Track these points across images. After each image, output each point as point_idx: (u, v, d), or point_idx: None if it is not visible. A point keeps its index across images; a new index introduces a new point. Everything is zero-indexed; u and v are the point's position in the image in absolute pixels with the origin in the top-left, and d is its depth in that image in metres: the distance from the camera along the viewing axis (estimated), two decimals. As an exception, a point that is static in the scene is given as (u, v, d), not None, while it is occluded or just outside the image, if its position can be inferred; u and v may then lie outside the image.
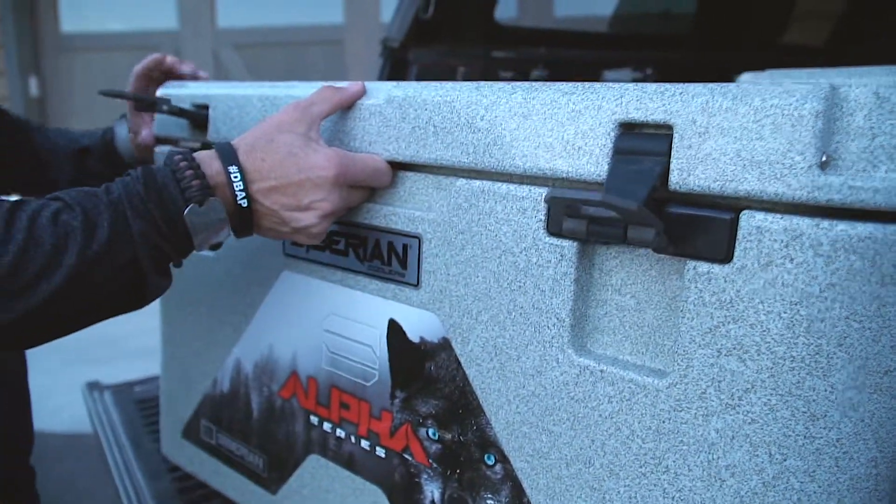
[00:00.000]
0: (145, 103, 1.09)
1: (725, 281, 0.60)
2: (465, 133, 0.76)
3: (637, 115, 0.64)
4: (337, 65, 5.97)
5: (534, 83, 0.74)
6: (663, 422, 0.65)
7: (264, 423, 1.07)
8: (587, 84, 0.69)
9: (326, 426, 0.97)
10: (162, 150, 1.20)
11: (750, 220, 0.58)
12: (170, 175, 0.76)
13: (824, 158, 0.55)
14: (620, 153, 0.65)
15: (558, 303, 0.71)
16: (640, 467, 0.66)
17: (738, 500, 0.61)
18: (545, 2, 5.45)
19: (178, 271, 1.19)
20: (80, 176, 1.39)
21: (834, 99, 0.55)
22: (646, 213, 0.57)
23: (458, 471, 0.82)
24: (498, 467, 0.78)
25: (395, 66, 2.07)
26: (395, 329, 0.87)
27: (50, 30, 6.21)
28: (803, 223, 0.56)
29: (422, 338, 0.84)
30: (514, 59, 2.14)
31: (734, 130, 0.58)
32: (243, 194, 0.78)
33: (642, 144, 0.64)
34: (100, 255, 0.72)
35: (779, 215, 0.57)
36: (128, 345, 3.97)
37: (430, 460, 0.85)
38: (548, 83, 0.72)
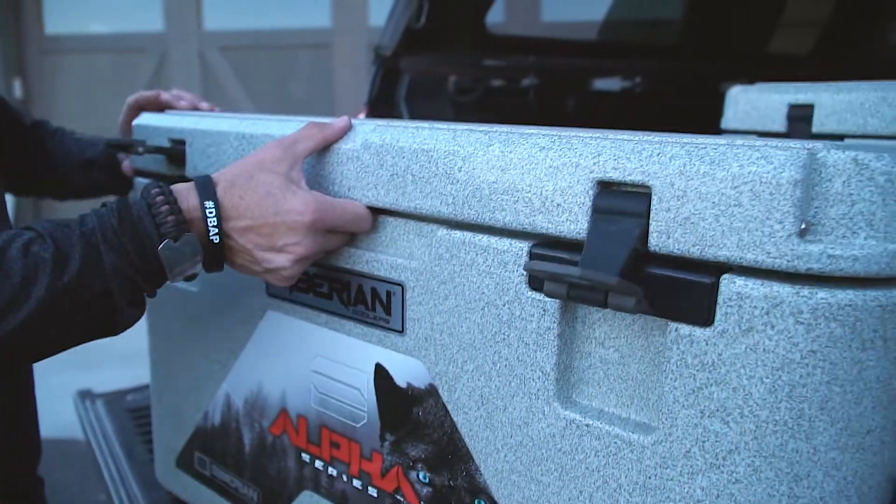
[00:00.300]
0: (121, 146, 1.08)
1: (707, 344, 0.60)
2: (444, 184, 0.76)
3: (615, 175, 0.63)
4: (324, 68, 5.92)
5: (511, 132, 0.73)
6: (649, 477, 0.65)
7: (256, 458, 1.07)
8: (564, 137, 0.69)
9: (318, 464, 0.98)
10: (141, 182, 1.19)
11: (730, 286, 0.58)
12: (145, 209, 0.76)
13: (803, 226, 0.55)
14: (599, 212, 0.64)
15: (543, 356, 0.71)
16: (628, 522, 0.67)
17: (724, 559, 0.61)
18: (533, 8, 5.41)
19: (164, 306, 1.19)
20: (88, 185, 1.39)
21: (812, 165, 0.55)
22: (624, 285, 0.57)
23: (448, 515, 0.83)
24: (488, 514, 0.79)
25: (388, 75, 2.06)
26: (381, 374, 0.86)
27: (34, 31, 6.14)
28: (783, 290, 0.56)
29: (409, 383, 0.84)
30: (505, 68, 2.12)
31: (712, 195, 0.58)
32: (216, 230, 0.78)
33: (621, 204, 0.63)
34: (70, 288, 0.73)
35: (759, 281, 0.57)
36: (113, 349, 3.96)
37: (422, 502, 0.85)
38: (525, 133, 0.72)
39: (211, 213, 0.77)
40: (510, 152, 0.70)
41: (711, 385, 0.60)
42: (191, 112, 1.18)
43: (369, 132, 0.84)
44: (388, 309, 0.84)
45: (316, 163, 0.89)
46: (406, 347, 0.83)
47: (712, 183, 0.58)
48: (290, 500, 1.03)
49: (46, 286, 0.71)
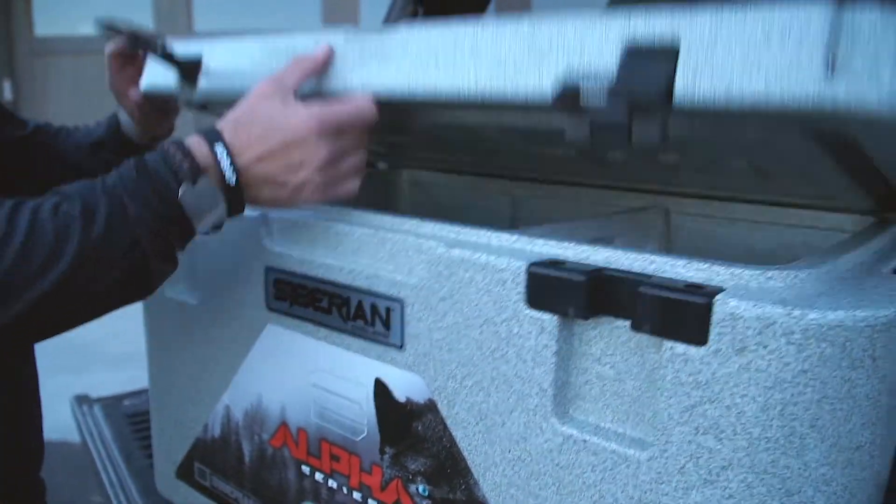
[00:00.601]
0: (141, 40, 1.08)
1: (701, 363, 0.61)
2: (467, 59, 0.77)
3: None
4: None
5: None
6: (645, 492, 0.66)
7: (256, 470, 1.09)
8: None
9: (318, 476, 0.99)
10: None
11: (723, 307, 0.59)
12: (161, 160, 0.80)
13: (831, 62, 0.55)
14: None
15: (541, 373, 0.72)
16: (625, 535, 0.68)
17: (719, 572, 0.63)
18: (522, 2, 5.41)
19: (163, 318, 1.20)
20: (97, 167, 1.39)
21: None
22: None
23: (448, 527, 0.84)
24: (487, 526, 0.80)
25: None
26: (381, 388, 0.88)
27: (24, 33, 6.11)
28: (775, 311, 0.57)
29: (408, 398, 0.85)
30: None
31: (741, 38, 0.58)
32: (231, 168, 0.81)
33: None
34: (100, 240, 0.76)
35: (751, 302, 0.58)
36: (104, 350, 3.96)
37: (421, 514, 0.87)
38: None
39: (222, 154, 0.81)
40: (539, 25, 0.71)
41: (705, 403, 0.61)
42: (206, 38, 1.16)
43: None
44: (387, 324, 0.85)
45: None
46: (405, 363, 0.84)
47: (742, 26, 0.58)
48: (290, 510, 1.05)
49: (79, 241, 0.74)
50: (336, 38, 0.91)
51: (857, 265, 0.73)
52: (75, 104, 6.12)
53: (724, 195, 1.15)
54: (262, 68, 0.97)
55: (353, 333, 0.89)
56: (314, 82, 0.92)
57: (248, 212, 1.01)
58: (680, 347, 0.62)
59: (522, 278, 0.72)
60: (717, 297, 0.60)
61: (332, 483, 0.97)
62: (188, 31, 6.06)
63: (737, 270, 0.64)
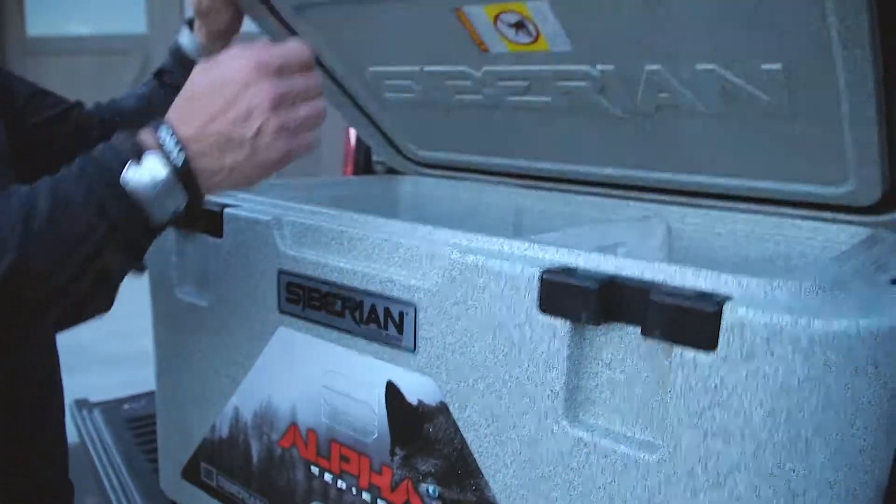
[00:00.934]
0: None
1: (710, 368, 0.64)
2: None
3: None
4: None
5: None
6: (654, 495, 0.69)
7: (265, 470, 1.10)
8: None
9: (328, 477, 1.01)
10: None
11: (732, 314, 0.62)
12: (105, 147, 0.78)
13: None
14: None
15: (552, 377, 0.74)
16: (634, 535, 0.71)
17: (725, 570, 0.65)
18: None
19: (172, 320, 1.22)
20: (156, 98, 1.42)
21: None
22: None
23: (457, 527, 0.86)
24: (497, 526, 0.82)
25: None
26: (392, 391, 0.90)
27: (16, 33, 6.10)
28: (783, 320, 0.60)
29: (420, 400, 0.87)
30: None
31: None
32: (176, 144, 0.77)
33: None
34: (45, 228, 0.73)
35: (760, 310, 0.61)
36: (98, 351, 3.95)
37: (431, 514, 0.89)
38: None
39: (165, 131, 0.77)
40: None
41: (714, 407, 0.64)
42: None
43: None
44: (400, 328, 0.87)
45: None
46: (418, 366, 0.86)
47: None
48: (297, 510, 1.06)
49: (21, 232, 0.72)
50: None
51: (857, 275, 0.75)
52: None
53: (725, 206, 1.18)
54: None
55: (366, 337, 0.91)
56: None
57: (261, 215, 1.04)
58: (689, 353, 0.65)
59: (536, 284, 0.74)
60: (726, 304, 0.63)
61: (341, 483, 0.99)
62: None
63: (744, 279, 0.67)
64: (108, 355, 3.98)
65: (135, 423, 1.85)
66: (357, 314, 0.92)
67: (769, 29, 0.87)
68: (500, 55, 1.16)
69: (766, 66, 0.93)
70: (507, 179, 1.50)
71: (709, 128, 1.08)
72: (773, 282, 0.66)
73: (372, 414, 0.93)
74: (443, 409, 0.85)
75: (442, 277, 0.82)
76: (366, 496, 0.96)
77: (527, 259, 0.78)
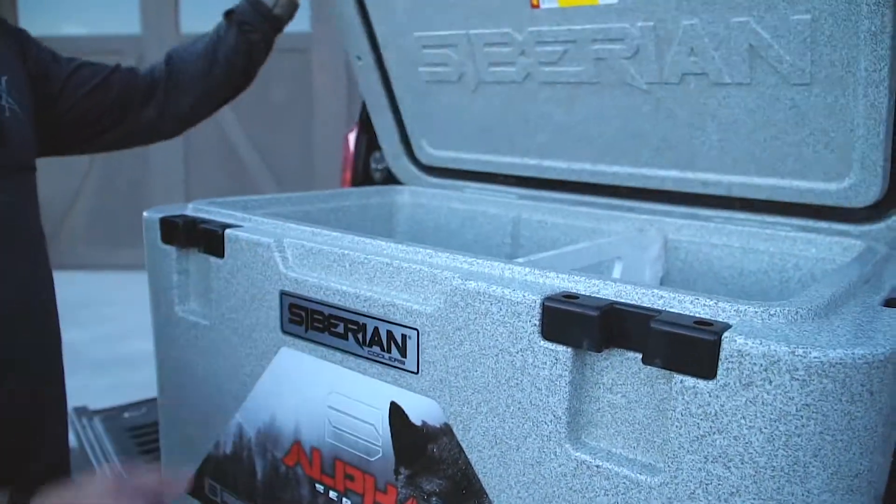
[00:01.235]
0: None
1: (710, 396, 0.65)
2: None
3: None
4: (303, 73, 5.92)
5: None
6: (656, 516, 0.70)
7: (269, 486, 1.12)
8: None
9: (332, 494, 1.02)
10: None
11: (731, 343, 0.63)
12: None
13: None
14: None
15: (555, 401, 0.76)
16: (636, 555, 0.72)
17: (726, 590, 0.67)
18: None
19: (175, 339, 1.23)
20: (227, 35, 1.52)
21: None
22: None
23: (462, 545, 0.87)
24: (501, 545, 0.84)
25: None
26: (396, 411, 0.91)
27: (7, 36, 6.06)
28: (780, 349, 0.61)
29: (424, 421, 0.88)
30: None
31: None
32: None
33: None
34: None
35: (758, 340, 0.62)
36: (87, 355, 3.96)
37: (435, 532, 0.90)
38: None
39: None
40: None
41: (714, 433, 0.65)
42: None
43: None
44: (403, 351, 0.89)
45: None
46: (421, 388, 0.88)
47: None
48: (302, 526, 1.08)
49: None
50: None
51: (850, 296, 0.77)
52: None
53: (721, 216, 1.20)
54: None
55: (370, 359, 0.93)
56: None
57: (262, 236, 1.05)
58: (689, 381, 0.66)
59: (537, 311, 0.76)
60: (725, 334, 0.64)
61: (346, 501, 1.00)
62: (175, 34, 6.05)
63: (741, 307, 0.68)
64: (96, 358, 3.99)
65: (136, 432, 1.86)
66: (360, 336, 0.93)
67: None
68: (549, 11, 1.22)
69: (795, 17, 0.98)
70: (506, 189, 1.51)
71: (727, 104, 1.11)
72: (769, 309, 0.67)
73: (376, 434, 0.94)
74: (447, 430, 0.86)
75: (444, 303, 0.84)
76: (371, 514, 0.97)
77: (528, 285, 0.79)
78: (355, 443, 0.97)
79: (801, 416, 0.62)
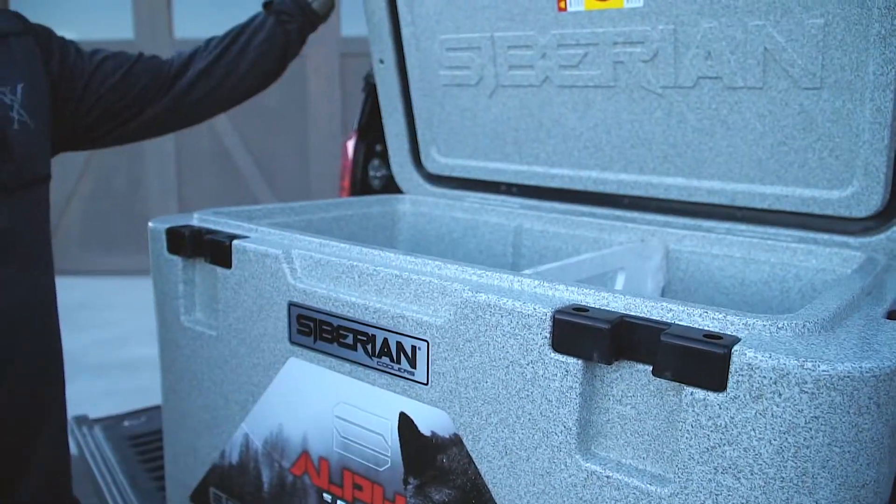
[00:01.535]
0: None
1: (720, 408, 0.66)
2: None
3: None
4: (297, 77, 5.93)
5: None
6: (666, 526, 0.71)
7: (276, 496, 1.12)
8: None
9: (339, 504, 1.03)
10: None
11: (741, 357, 0.65)
12: None
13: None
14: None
15: (565, 412, 0.77)
16: (646, 564, 0.73)
17: None
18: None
19: (180, 348, 1.23)
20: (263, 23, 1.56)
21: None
22: None
23: (472, 554, 0.88)
24: (511, 554, 0.85)
25: (377, 101, 2.13)
26: (406, 422, 0.92)
27: (1, 41, 6.05)
28: (789, 363, 0.63)
29: (433, 432, 0.89)
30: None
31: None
32: None
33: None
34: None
35: (767, 353, 0.64)
36: (84, 360, 3.96)
37: (444, 542, 0.91)
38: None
39: None
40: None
41: (724, 444, 0.67)
42: None
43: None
44: (412, 362, 0.90)
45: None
46: (430, 398, 0.89)
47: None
48: (309, 535, 1.08)
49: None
50: None
51: (853, 309, 0.78)
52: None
53: (723, 227, 1.22)
54: None
55: (378, 369, 0.94)
56: None
57: (270, 247, 1.06)
58: (700, 393, 0.67)
59: (548, 324, 0.77)
60: (735, 347, 0.65)
61: (354, 510, 1.01)
62: (168, 38, 6.05)
63: (749, 320, 0.70)
64: (93, 364, 3.99)
65: (137, 441, 1.86)
66: (369, 347, 0.94)
67: None
68: (575, 14, 1.26)
69: (810, 21, 1.01)
70: (508, 198, 1.53)
71: (738, 108, 1.15)
72: (777, 322, 0.69)
73: (385, 444, 0.95)
74: (456, 440, 0.87)
75: (454, 315, 0.85)
76: (379, 523, 0.98)
77: (538, 297, 0.81)
78: (364, 453, 0.98)
79: (810, 428, 0.63)
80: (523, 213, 1.47)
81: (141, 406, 2.16)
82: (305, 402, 1.04)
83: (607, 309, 0.77)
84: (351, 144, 2.27)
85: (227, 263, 1.11)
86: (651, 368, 0.71)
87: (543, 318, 0.77)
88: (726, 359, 0.66)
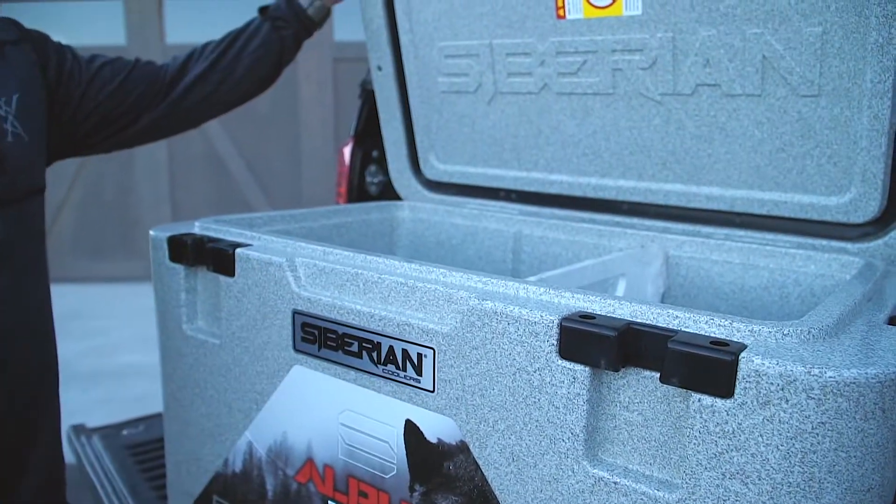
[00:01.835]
0: None
1: (728, 414, 0.67)
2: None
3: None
4: (289, 83, 5.93)
5: None
6: (674, 531, 0.72)
7: (279, 504, 1.12)
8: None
9: (344, 511, 1.03)
10: None
11: (748, 363, 0.66)
12: None
13: None
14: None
15: (572, 419, 0.78)
16: (654, 569, 0.74)
17: None
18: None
19: (182, 357, 1.23)
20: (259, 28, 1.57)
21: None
22: None
23: (478, 561, 0.89)
24: (518, 560, 0.85)
25: (373, 107, 2.14)
26: (412, 429, 0.92)
27: (-8, 47, 6.02)
28: (796, 369, 0.63)
29: (439, 439, 0.90)
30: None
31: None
32: None
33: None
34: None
35: (774, 360, 0.65)
36: (77, 369, 3.95)
37: (450, 548, 0.91)
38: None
39: None
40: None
41: (732, 450, 0.67)
42: None
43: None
44: (419, 370, 0.90)
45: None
46: (437, 406, 0.89)
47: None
48: (313, 543, 1.08)
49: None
50: None
51: (856, 315, 0.80)
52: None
53: (722, 233, 1.23)
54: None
55: (384, 377, 0.94)
56: None
57: (273, 255, 1.06)
58: (707, 399, 0.68)
59: (555, 331, 0.77)
60: (743, 354, 0.66)
61: (359, 518, 1.01)
62: (160, 45, 6.05)
63: (755, 327, 0.70)
64: (85, 372, 3.97)
65: (136, 450, 1.86)
66: (375, 355, 0.95)
67: None
68: (573, 22, 1.27)
69: (808, 29, 1.03)
70: (507, 205, 1.54)
71: (737, 115, 1.16)
72: (783, 329, 0.70)
73: (391, 451, 0.95)
74: (463, 447, 0.88)
75: (461, 322, 0.85)
76: (385, 530, 0.98)
77: (544, 304, 0.81)
78: (369, 460, 0.98)
79: (817, 434, 0.64)
80: (523, 220, 1.47)
81: (135, 414, 2.16)
82: (310, 409, 1.05)
83: (614, 316, 0.77)
84: (348, 150, 2.28)
85: (230, 272, 1.11)
86: (658, 375, 0.72)
87: (550, 325, 0.78)
88: (734, 365, 0.66)
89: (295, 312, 1.03)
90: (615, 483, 0.75)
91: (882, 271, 1.00)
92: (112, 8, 6.07)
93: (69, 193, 6.06)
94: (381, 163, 2.26)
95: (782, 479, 0.65)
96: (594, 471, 0.77)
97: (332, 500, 1.04)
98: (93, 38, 5.99)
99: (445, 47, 1.49)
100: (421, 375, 0.90)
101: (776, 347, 0.68)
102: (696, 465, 0.69)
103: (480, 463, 0.86)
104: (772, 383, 0.65)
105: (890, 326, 0.78)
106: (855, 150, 1.06)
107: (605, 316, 0.77)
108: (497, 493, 0.85)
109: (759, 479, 0.66)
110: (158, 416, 2.02)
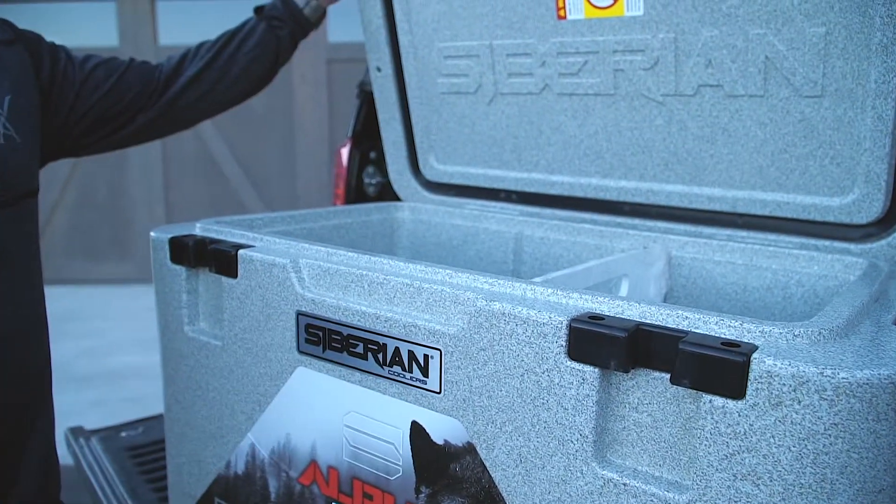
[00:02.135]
0: None
1: (739, 415, 0.67)
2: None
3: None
4: (284, 84, 5.92)
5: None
6: (684, 533, 0.72)
7: (282, 506, 1.12)
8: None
9: (348, 513, 1.03)
10: None
11: (760, 364, 0.65)
12: None
13: None
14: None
15: (581, 420, 0.77)
16: (664, 571, 0.74)
17: None
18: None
19: (184, 358, 1.23)
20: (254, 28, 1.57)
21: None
22: None
23: (485, 563, 0.89)
24: (525, 562, 0.85)
25: (371, 108, 2.13)
26: (418, 430, 0.92)
27: (-15, 48, 5.99)
28: (809, 370, 0.63)
29: (446, 441, 0.90)
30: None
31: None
32: None
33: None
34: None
35: (786, 361, 0.65)
36: (72, 371, 3.93)
37: (457, 550, 0.91)
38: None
39: None
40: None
41: (743, 451, 0.67)
42: None
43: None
44: (425, 371, 0.90)
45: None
46: (443, 407, 0.89)
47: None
48: (316, 545, 1.08)
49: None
50: None
51: (864, 316, 0.80)
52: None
53: (724, 234, 1.23)
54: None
55: (390, 378, 0.94)
56: None
57: (277, 257, 1.06)
58: (718, 400, 0.68)
59: (564, 332, 0.77)
60: (754, 355, 0.66)
61: (363, 520, 1.01)
62: (152, 46, 6.03)
63: (766, 328, 0.70)
64: (79, 374, 3.96)
65: (135, 451, 1.85)
66: (380, 357, 0.94)
67: None
68: (574, 22, 1.27)
69: (811, 30, 1.02)
70: (508, 206, 1.53)
71: (739, 116, 1.16)
72: (794, 330, 0.70)
73: (396, 453, 0.95)
74: (470, 449, 0.87)
75: (468, 323, 0.85)
76: (390, 533, 0.98)
77: (552, 305, 0.81)
78: (374, 462, 0.98)
79: (830, 435, 0.64)
80: (524, 221, 1.47)
81: (130, 415, 2.15)
82: (314, 411, 1.04)
83: (623, 317, 0.77)
84: (345, 152, 2.27)
85: (232, 273, 1.11)
86: (668, 376, 0.71)
87: (559, 326, 0.77)
88: (746, 366, 0.66)
89: (299, 314, 1.03)
90: (624, 484, 0.75)
91: (887, 272, 1.00)
92: (105, 9, 6.05)
93: (62, 195, 6.03)
94: (379, 164, 2.26)
95: (794, 480, 0.65)
96: (603, 472, 0.77)
97: (337, 501, 1.03)
98: (85, 39, 5.97)
99: (445, 48, 1.48)
100: (427, 377, 0.90)
101: (787, 348, 0.68)
102: (707, 467, 0.69)
103: (488, 464, 0.86)
104: (784, 384, 0.64)
105: (898, 327, 0.78)
106: (858, 151, 1.06)
107: (614, 317, 0.77)
108: (504, 494, 0.85)
109: (771, 481, 0.66)
110: (157, 417, 2.02)
